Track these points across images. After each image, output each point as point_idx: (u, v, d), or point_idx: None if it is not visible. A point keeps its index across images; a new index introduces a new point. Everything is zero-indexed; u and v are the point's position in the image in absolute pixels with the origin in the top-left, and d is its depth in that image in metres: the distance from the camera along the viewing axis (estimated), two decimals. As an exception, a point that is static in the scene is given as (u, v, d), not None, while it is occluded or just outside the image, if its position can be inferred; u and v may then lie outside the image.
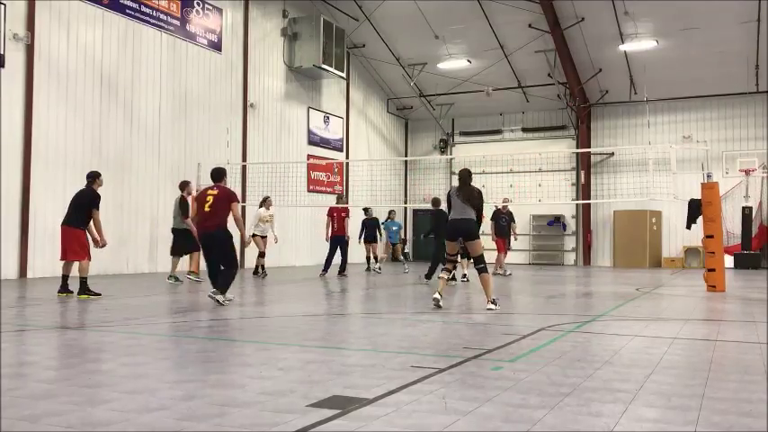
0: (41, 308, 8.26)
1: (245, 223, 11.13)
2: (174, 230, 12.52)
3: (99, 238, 9.67)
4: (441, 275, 8.84)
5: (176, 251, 12.48)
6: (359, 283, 13.50)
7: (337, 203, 15.59)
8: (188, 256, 12.47)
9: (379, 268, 17.14)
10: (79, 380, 4.14)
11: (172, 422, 3.20)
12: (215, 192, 8.93)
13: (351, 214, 15.60)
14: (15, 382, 4.02)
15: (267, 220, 14.53)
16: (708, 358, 5.10)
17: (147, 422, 3.20)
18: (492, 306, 8.27)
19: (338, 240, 14.97)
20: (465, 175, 8.79)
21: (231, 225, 8.89)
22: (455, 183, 9.12)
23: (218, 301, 8.57)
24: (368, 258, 17.80)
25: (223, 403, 3.55)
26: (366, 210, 18.03)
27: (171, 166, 16.64)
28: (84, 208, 9.55)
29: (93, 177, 9.79)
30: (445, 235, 8.91)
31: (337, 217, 15.04)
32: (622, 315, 8.08)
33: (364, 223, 17.77)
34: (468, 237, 8.60)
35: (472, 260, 8.74)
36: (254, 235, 14.12)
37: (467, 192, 8.60)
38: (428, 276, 13.30)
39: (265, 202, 14.67)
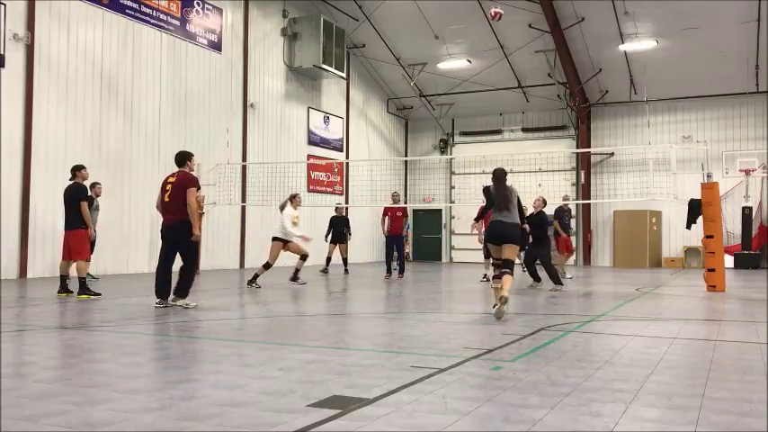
0: (41, 308, 8.26)
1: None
2: None
3: (89, 230, 9.62)
4: (493, 285, 7.87)
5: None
6: (359, 284, 13.48)
7: (393, 203, 15.10)
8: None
9: (346, 271, 16.18)
10: (79, 380, 4.14)
11: (172, 422, 3.20)
12: (173, 179, 8.24)
13: (407, 213, 15.42)
14: (15, 382, 4.02)
15: (295, 223, 12.24)
16: (708, 358, 5.10)
17: (147, 422, 3.20)
18: (506, 296, 7.49)
19: (394, 239, 14.68)
20: (501, 175, 8.11)
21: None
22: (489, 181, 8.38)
23: (181, 306, 8.05)
24: (328, 259, 16.25)
25: (223, 403, 3.55)
26: (337, 207, 16.81)
27: (171, 166, 16.50)
28: (74, 203, 9.55)
29: (76, 170, 9.80)
30: (489, 237, 8.09)
31: (392, 216, 14.79)
32: (622, 315, 8.08)
33: (332, 221, 16.44)
34: (511, 241, 7.88)
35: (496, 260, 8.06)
36: (275, 238, 12.14)
37: (506, 192, 7.99)
38: (556, 282, 11.87)
39: (294, 200, 12.39)
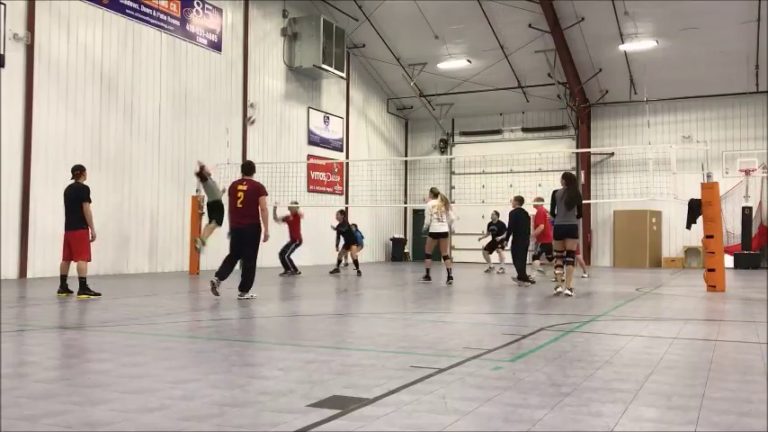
0: (41, 308, 8.26)
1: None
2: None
3: (91, 231, 9.68)
4: (556, 272, 10.63)
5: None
6: (358, 284, 13.48)
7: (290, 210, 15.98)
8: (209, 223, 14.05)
9: (358, 272, 16.19)
10: (79, 380, 4.14)
11: (172, 422, 3.20)
12: (244, 187, 9.28)
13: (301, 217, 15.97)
14: (15, 382, 4.02)
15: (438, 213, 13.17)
16: (708, 358, 5.10)
17: (147, 422, 3.20)
18: (569, 293, 10.21)
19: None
20: (574, 179, 10.75)
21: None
22: (558, 185, 10.86)
23: (246, 299, 9.18)
24: (338, 261, 16.95)
25: (223, 403, 3.55)
26: (337, 216, 16.97)
27: (171, 166, 16.64)
28: (76, 203, 9.55)
29: (79, 171, 9.83)
30: (555, 236, 10.72)
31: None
32: (622, 315, 8.08)
33: (337, 230, 16.91)
34: (571, 236, 10.55)
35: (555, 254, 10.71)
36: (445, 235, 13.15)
37: (573, 196, 10.38)
38: (522, 278, 12.81)
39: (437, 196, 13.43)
